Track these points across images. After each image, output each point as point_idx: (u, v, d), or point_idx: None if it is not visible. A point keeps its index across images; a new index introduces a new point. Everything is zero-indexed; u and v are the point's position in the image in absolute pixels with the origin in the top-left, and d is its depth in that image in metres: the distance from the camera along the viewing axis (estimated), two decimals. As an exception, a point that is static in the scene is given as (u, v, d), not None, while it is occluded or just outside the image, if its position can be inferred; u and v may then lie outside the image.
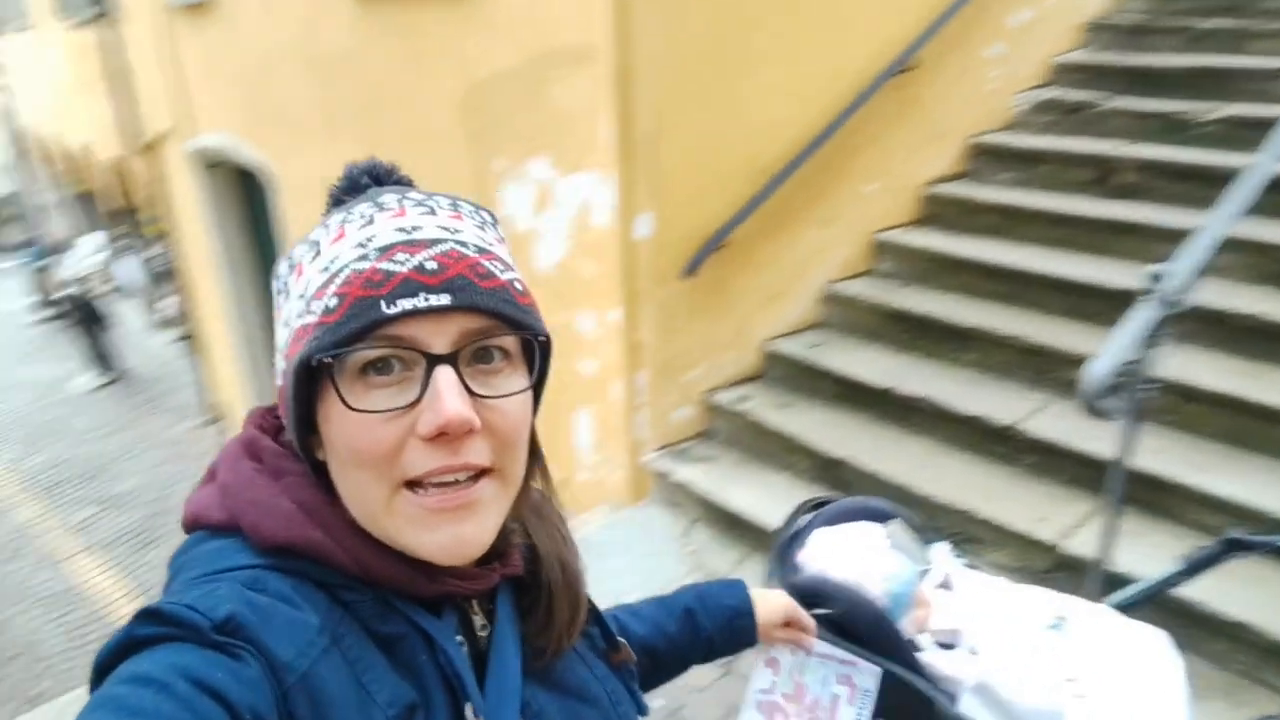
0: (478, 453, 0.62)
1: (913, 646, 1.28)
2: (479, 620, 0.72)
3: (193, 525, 0.66)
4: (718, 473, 3.56)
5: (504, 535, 0.72)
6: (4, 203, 18.59)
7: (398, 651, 0.63)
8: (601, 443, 3.92)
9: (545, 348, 0.69)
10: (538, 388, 0.71)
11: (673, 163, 3.36)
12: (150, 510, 7.77)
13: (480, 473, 0.63)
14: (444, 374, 0.60)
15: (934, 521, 2.99)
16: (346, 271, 0.61)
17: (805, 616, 1.14)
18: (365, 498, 0.62)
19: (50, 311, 12.58)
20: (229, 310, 8.00)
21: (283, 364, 0.65)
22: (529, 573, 0.76)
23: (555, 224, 3.73)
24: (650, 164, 3.30)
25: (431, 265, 0.61)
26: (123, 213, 11.72)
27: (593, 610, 0.83)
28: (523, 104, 3.70)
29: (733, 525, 3.37)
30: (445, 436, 0.60)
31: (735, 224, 3.51)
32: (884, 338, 3.83)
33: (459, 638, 0.68)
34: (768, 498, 3.30)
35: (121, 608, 6.47)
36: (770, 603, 1.12)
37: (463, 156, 4.08)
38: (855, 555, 1.36)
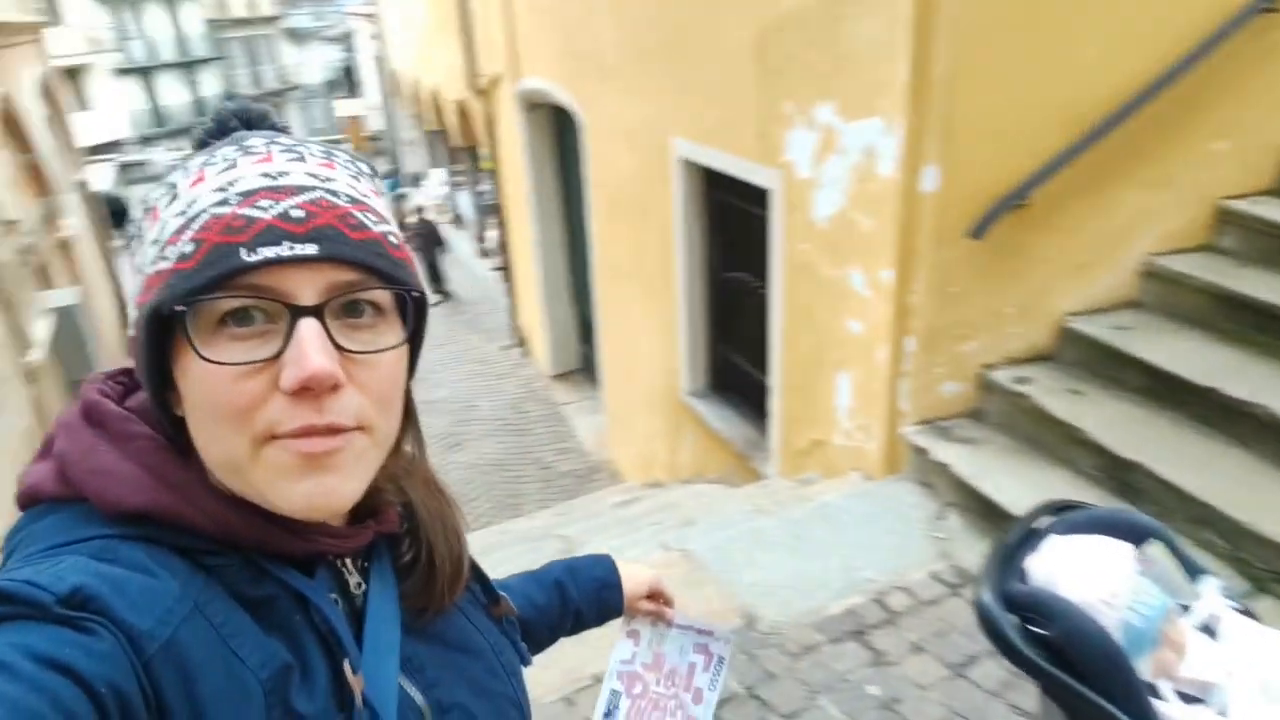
0: (344, 410, 0.59)
1: (1149, 692, 1.06)
2: (354, 579, 0.70)
3: (29, 500, 0.61)
4: (983, 458, 3.24)
5: (377, 494, 0.70)
6: (374, 138, 21.71)
7: (269, 614, 0.60)
8: (860, 408, 3.73)
9: (420, 305, 0.66)
10: (414, 348, 0.68)
11: (969, 110, 3.03)
12: (457, 417, 8.83)
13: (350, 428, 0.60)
14: (308, 326, 0.56)
15: (1238, 552, 2.48)
16: (204, 216, 0.57)
17: (669, 590, 1.16)
18: (226, 451, 0.59)
19: (403, 234, 14.55)
20: (535, 244, 8.71)
21: (134, 313, 0.61)
22: (407, 531, 0.75)
23: (835, 173, 3.55)
24: (944, 110, 3.00)
25: (298, 213, 0.57)
26: (464, 150, 13.15)
27: (473, 566, 0.82)
28: (814, 45, 3.54)
29: (990, 517, 3.05)
30: (309, 392, 0.57)
31: (1038, 181, 3.10)
32: (1213, 326, 3.20)
33: (333, 595, 0.66)
34: (1037, 493, 2.94)
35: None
36: (636, 576, 1.14)
37: (754, 100, 4.02)
38: (1094, 573, 1.15)
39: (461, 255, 14.02)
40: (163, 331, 0.58)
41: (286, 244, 0.56)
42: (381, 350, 0.61)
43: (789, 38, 3.68)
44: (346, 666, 0.62)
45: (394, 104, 18.37)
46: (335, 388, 0.58)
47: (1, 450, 4.31)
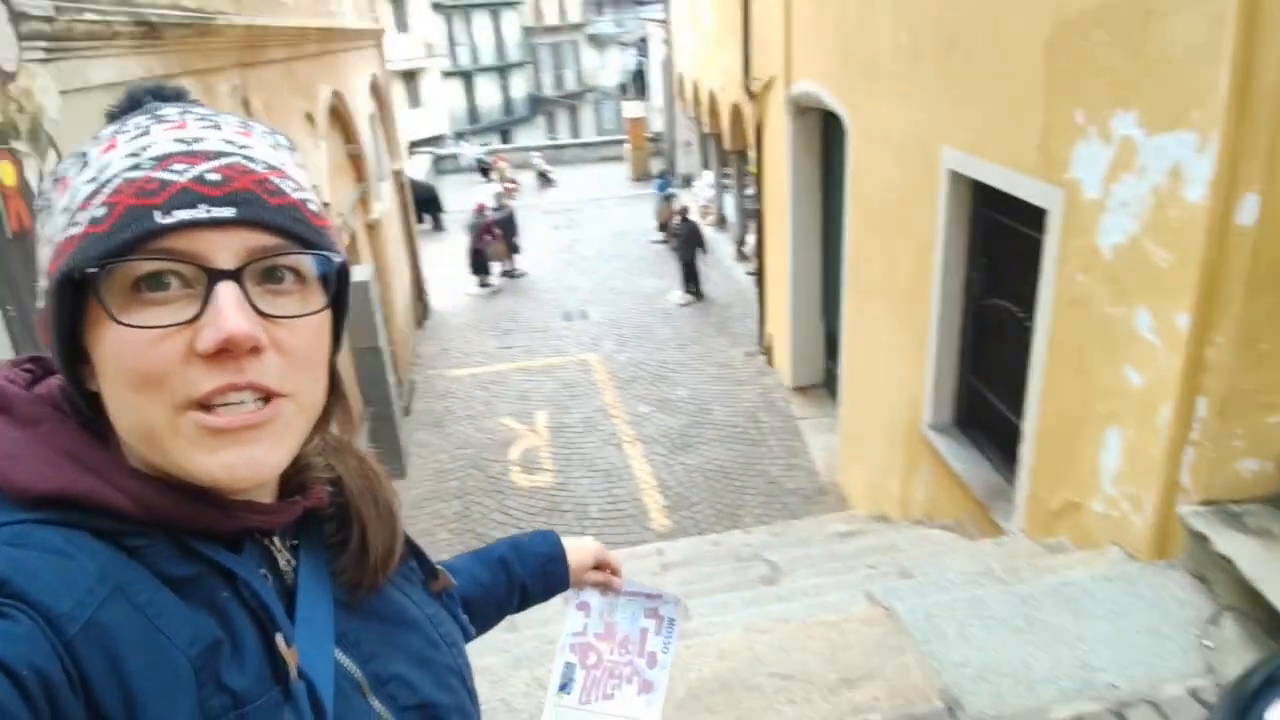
0: (265, 372, 0.58)
1: None
2: (284, 557, 0.69)
3: None
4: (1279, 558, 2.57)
5: (304, 469, 0.71)
6: (653, 139, 22.52)
7: (196, 592, 0.59)
8: (1129, 474, 3.15)
9: (342, 272, 0.65)
10: (338, 319, 0.68)
11: (1315, 124, 2.39)
12: (691, 419, 8.86)
13: (270, 395, 0.59)
14: (226, 289, 0.56)
15: None
16: (117, 181, 0.57)
17: (614, 559, 1.17)
18: (144, 422, 0.57)
19: (665, 234, 14.96)
20: (789, 251, 8.49)
21: (44, 283, 0.59)
22: (337, 507, 0.75)
23: (1130, 195, 3.02)
24: (1272, 128, 2.40)
25: (214, 177, 0.57)
26: (734, 153, 13.22)
27: (409, 543, 0.83)
28: (1117, 44, 3.03)
29: (1277, 633, 2.41)
30: (227, 354, 0.56)
31: None
32: None
33: (262, 571, 0.66)
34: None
35: (649, 493, 7.58)
36: (582, 548, 1.15)
37: (1037, 107, 3.56)
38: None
39: (720, 257, 14.11)
40: (74, 299, 0.57)
41: (203, 207, 0.56)
42: (301, 316, 0.61)
43: (1087, 36, 3.18)
44: (279, 640, 0.62)
45: (675, 107, 18.92)
46: (255, 350, 0.57)
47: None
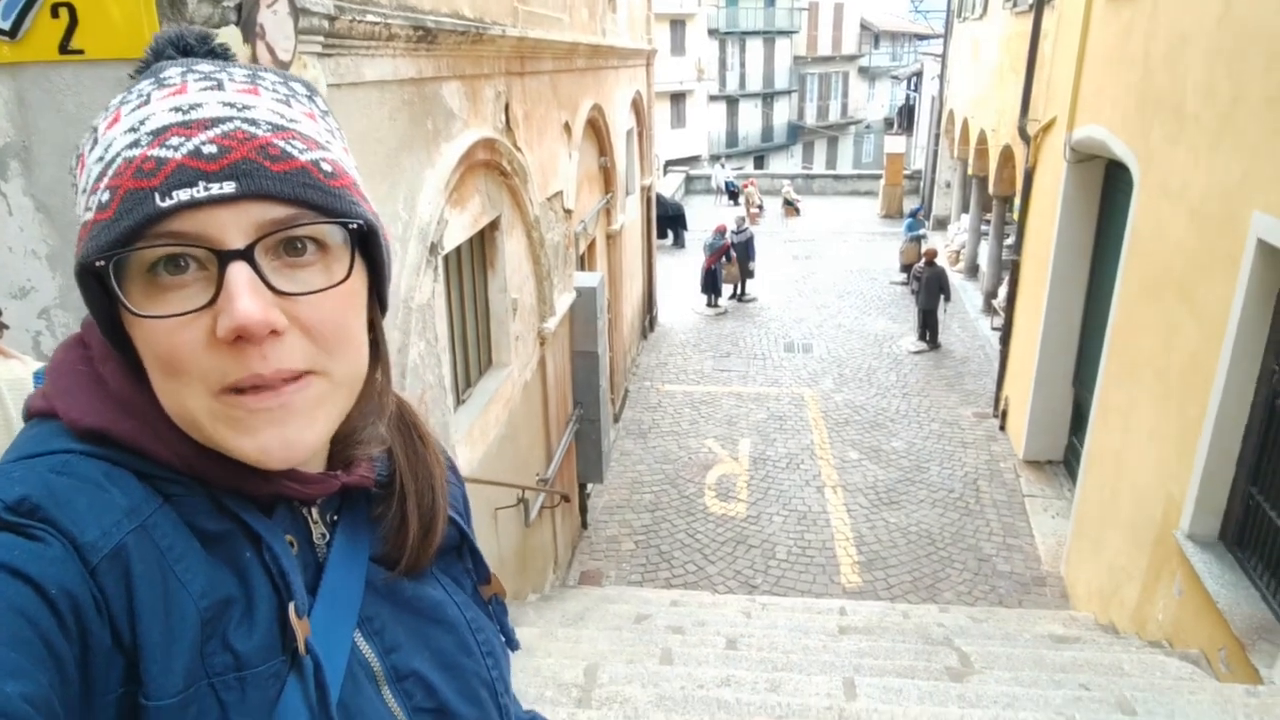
0: (290, 355, 0.57)
1: None
2: (318, 530, 0.68)
3: (28, 415, 0.63)
4: None
5: (352, 443, 0.69)
6: (911, 176, 21.54)
7: (221, 548, 0.60)
8: None
9: (368, 235, 0.62)
10: (376, 280, 0.66)
11: None
12: (903, 474, 8.23)
13: (299, 375, 0.58)
14: (237, 271, 0.54)
15: None
16: (118, 161, 0.55)
17: None
18: (182, 406, 0.57)
19: (907, 277, 14.18)
20: (1045, 310, 7.66)
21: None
22: (385, 482, 0.73)
23: None
24: None
25: (210, 149, 0.54)
26: (997, 199, 12.28)
27: (466, 539, 0.81)
28: None
29: None
30: (245, 340, 0.55)
31: None
32: None
33: (289, 537, 0.65)
34: None
35: (843, 545, 7.11)
36: None
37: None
38: None
39: (965, 308, 13.13)
40: (100, 287, 0.56)
41: (201, 184, 0.53)
42: (323, 290, 0.58)
43: None
44: (291, 610, 0.60)
45: (939, 145, 17.97)
46: (275, 333, 0.56)
47: (490, 394, 5.15)
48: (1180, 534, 4.39)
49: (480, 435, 4.93)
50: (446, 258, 4.54)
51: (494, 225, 5.25)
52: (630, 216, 11.26)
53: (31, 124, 2.08)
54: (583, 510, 7.66)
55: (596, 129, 8.98)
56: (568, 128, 7.42)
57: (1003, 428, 8.99)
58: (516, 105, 5.70)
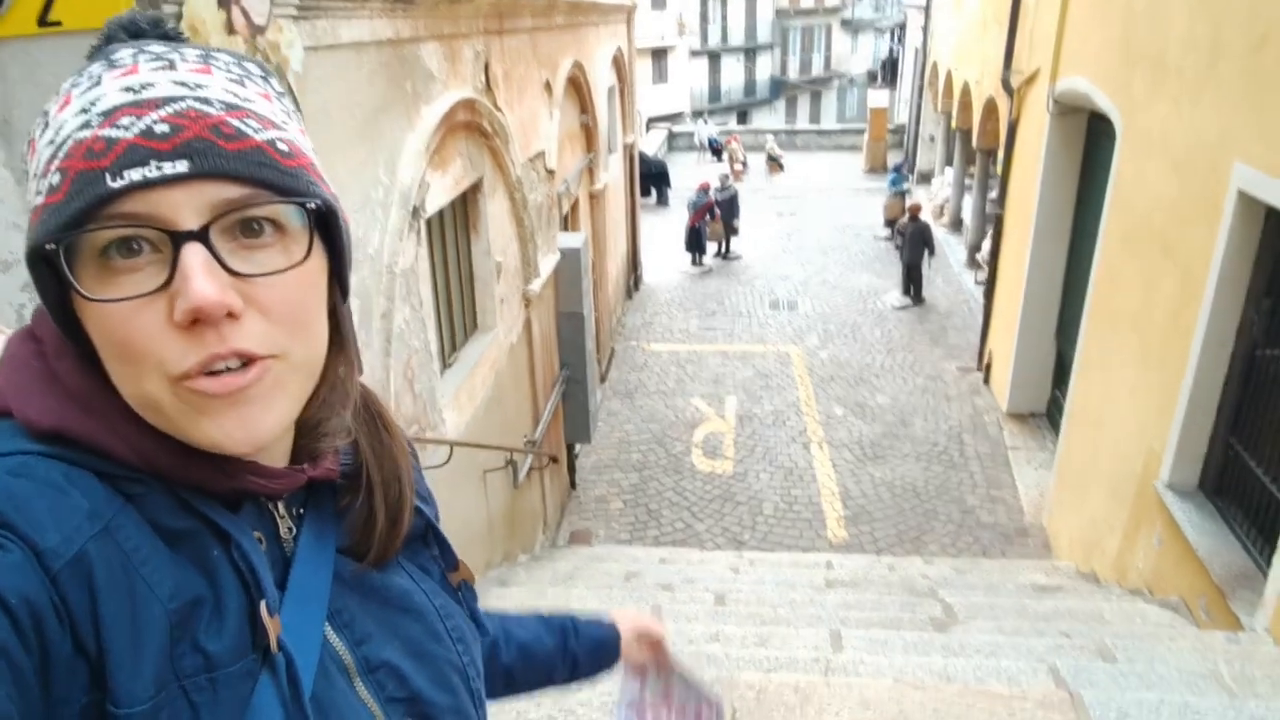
0: (249, 337, 0.56)
1: None
2: (285, 524, 0.68)
3: None
4: None
5: (317, 435, 0.67)
6: (895, 130, 21.40)
7: (187, 547, 0.59)
8: None
9: (327, 216, 0.61)
10: (337, 266, 0.64)
11: None
12: (888, 429, 8.32)
13: (255, 358, 0.57)
14: (191, 252, 0.53)
15: None
16: (69, 143, 0.54)
17: (656, 629, 1.16)
18: (142, 393, 0.56)
19: (891, 231, 14.17)
20: (1028, 263, 7.69)
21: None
22: (351, 473, 0.72)
23: None
24: None
25: (162, 128, 0.53)
26: (981, 152, 12.23)
27: (432, 529, 0.81)
28: None
29: None
30: (202, 323, 0.54)
31: None
32: None
33: (257, 534, 0.64)
34: None
35: (829, 500, 7.21)
36: (629, 622, 1.15)
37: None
38: None
39: (949, 262, 13.16)
40: (52, 272, 0.55)
41: (153, 164, 0.52)
42: (279, 271, 0.57)
43: None
44: (262, 608, 0.59)
45: (923, 98, 17.84)
46: (231, 315, 0.55)
47: (476, 358, 5.14)
48: (1160, 484, 4.48)
49: (467, 399, 4.93)
50: (429, 222, 4.49)
51: (476, 188, 5.19)
52: (613, 175, 11.15)
53: (12, 97, 2.04)
54: (571, 471, 7.70)
55: (578, 87, 8.84)
56: (548, 86, 7.30)
57: (986, 381, 9.08)
58: (496, 64, 5.59)
